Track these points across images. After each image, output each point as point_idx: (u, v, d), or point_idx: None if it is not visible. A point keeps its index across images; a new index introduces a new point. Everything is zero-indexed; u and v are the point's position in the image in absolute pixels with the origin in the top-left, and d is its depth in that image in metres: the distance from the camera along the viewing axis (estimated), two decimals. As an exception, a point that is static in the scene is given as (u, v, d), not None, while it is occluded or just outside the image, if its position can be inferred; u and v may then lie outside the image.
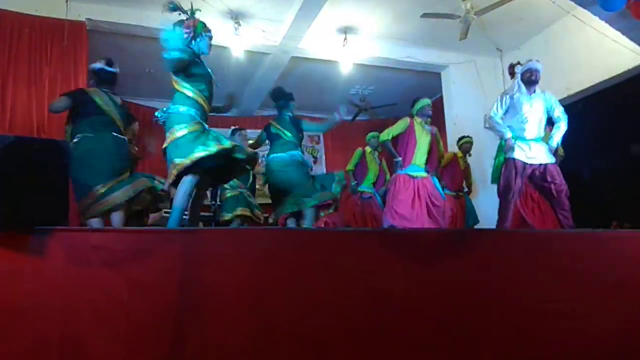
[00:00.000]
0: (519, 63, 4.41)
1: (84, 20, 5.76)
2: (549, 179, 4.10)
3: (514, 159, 4.13)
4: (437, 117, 8.00)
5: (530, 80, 4.24)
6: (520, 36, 7.03)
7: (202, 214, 6.21)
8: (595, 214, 5.20)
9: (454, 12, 5.70)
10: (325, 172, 9.61)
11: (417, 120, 4.96)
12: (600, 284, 2.69)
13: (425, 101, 5.03)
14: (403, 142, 4.91)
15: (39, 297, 1.94)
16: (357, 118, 9.22)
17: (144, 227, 3.88)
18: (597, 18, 5.35)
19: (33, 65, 5.36)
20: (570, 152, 5.20)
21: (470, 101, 7.30)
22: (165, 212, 6.06)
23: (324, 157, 9.87)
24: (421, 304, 2.41)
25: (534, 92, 4.27)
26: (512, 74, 4.44)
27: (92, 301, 1.96)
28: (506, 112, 4.30)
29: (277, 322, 2.12)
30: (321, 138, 9.97)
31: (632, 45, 5.34)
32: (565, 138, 4.38)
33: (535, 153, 4.13)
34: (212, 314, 2.05)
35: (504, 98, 4.31)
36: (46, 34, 5.51)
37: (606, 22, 5.28)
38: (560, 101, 6.41)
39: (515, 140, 4.15)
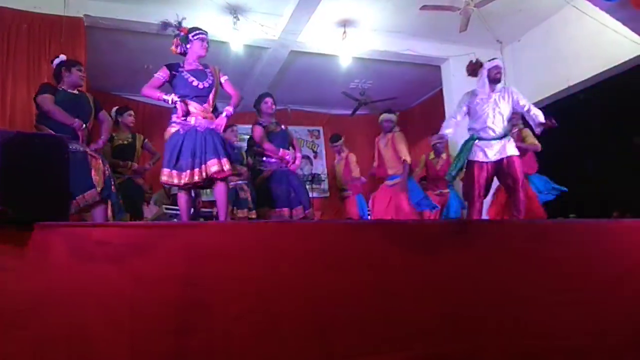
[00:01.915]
0: (478, 61, 4.50)
1: (82, 16, 5.75)
2: (507, 170, 4.20)
3: (474, 161, 4.25)
4: (437, 111, 8.01)
5: (496, 78, 4.30)
6: (520, 28, 7.02)
7: (204, 209, 6.22)
8: (597, 204, 5.20)
9: (453, 4, 5.69)
10: (325, 166, 9.63)
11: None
12: (604, 275, 2.69)
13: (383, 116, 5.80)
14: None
15: (43, 293, 1.93)
16: (357, 112, 9.23)
17: (146, 222, 3.90)
18: (597, 8, 5.33)
19: (32, 61, 5.37)
20: (572, 143, 5.20)
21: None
22: (167, 209, 6.08)
23: (323, 152, 9.86)
24: (424, 295, 2.41)
25: (496, 89, 4.34)
26: (474, 72, 4.50)
27: (96, 296, 1.95)
28: (468, 113, 4.41)
29: (281, 315, 2.12)
30: (321, 133, 9.97)
31: (632, 35, 5.32)
32: (567, 129, 4.41)
33: (498, 149, 4.22)
34: (217, 307, 2.04)
35: (464, 99, 4.44)
36: (44, 31, 5.51)
37: (606, 12, 5.26)
38: (561, 92, 6.46)
39: (474, 141, 4.27)
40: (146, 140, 5.54)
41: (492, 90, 4.28)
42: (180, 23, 3.69)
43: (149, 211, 6.58)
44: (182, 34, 3.65)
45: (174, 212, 5.80)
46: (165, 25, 3.71)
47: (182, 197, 3.53)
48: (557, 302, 2.58)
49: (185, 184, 3.39)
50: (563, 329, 2.54)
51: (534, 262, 2.63)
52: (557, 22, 6.66)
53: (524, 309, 2.53)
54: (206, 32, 3.69)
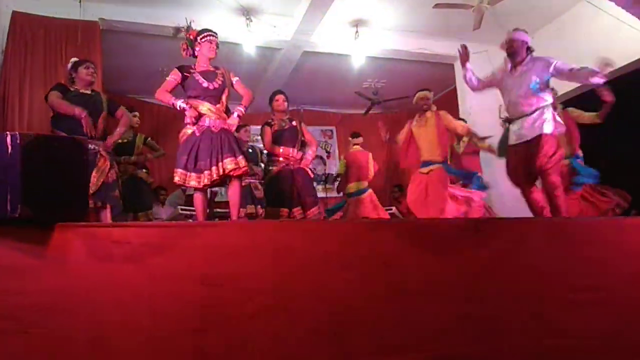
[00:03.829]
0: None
1: (97, 20, 5.82)
2: (535, 150, 3.76)
3: (509, 145, 3.98)
4: (451, 109, 7.96)
5: (508, 52, 3.99)
6: (533, 24, 6.90)
7: (219, 210, 6.26)
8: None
9: (466, 2, 5.66)
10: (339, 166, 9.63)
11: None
12: (624, 273, 2.65)
13: (420, 94, 5.10)
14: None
15: (63, 293, 1.97)
16: (370, 112, 9.21)
17: (164, 222, 3.94)
18: (612, 4, 5.26)
19: (48, 65, 5.45)
20: (588, 141, 5.13)
21: (484, 92, 7.21)
22: (182, 209, 6.13)
23: (336, 151, 9.87)
24: (440, 294, 2.40)
25: (522, 64, 3.95)
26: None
27: (115, 296, 1.98)
28: (500, 89, 4.18)
29: (297, 314, 2.13)
30: (334, 133, 9.98)
31: (649, 30, 5.25)
32: (583, 126, 4.29)
33: (529, 127, 3.84)
34: (234, 306, 2.06)
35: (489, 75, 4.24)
36: (61, 35, 5.60)
37: (622, 7, 5.20)
38: (577, 89, 6.36)
39: (508, 123, 4.02)
40: (149, 139, 5.58)
41: (518, 64, 3.94)
42: (189, 27, 3.73)
43: (164, 212, 6.65)
44: (190, 37, 3.69)
45: (190, 212, 5.85)
46: (177, 30, 3.76)
47: (198, 198, 3.56)
48: (577, 301, 2.55)
49: (205, 185, 3.43)
50: (582, 328, 2.51)
51: (552, 260, 2.61)
52: (572, 19, 6.59)
53: (543, 308, 2.51)
54: (215, 33, 3.72)
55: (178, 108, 3.52)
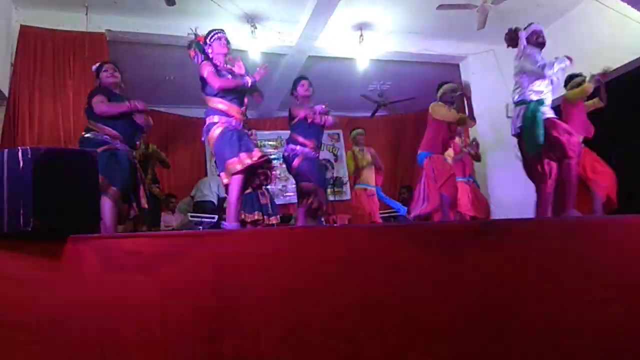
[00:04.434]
0: (517, 28, 4.17)
1: (103, 31, 5.89)
2: None
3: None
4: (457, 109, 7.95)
5: (539, 42, 4.04)
6: (539, 22, 6.89)
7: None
8: (624, 199, 5.08)
9: (470, 2, 5.65)
10: (346, 169, 9.63)
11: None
12: (635, 271, 2.64)
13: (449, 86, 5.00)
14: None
15: (76, 304, 1.99)
16: (377, 114, 9.22)
17: (175, 231, 3.96)
18: (618, 0, 5.25)
19: (57, 78, 5.53)
20: (595, 136, 5.09)
21: (490, 91, 7.21)
22: (192, 216, 6.17)
23: (344, 155, 9.86)
24: (450, 296, 2.40)
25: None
26: (514, 40, 4.16)
27: (128, 305, 2.01)
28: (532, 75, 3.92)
29: (308, 318, 2.14)
30: (341, 136, 9.98)
31: (656, 25, 5.22)
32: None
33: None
34: (246, 314, 2.07)
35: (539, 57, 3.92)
36: (68, 47, 5.68)
37: (628, 3, 5.17)
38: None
39: (541, 106, 3.83)
40: (155, 147, 5.65)
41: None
42: (196, 34, 3.74)
43: (175, 219, 6.69)
44: (200, 42, 3.69)
45: (200, 219, 5.89)
46: (190, 43, 3.76)
47: (237, 180, 3.44)
48: (588, 300, 2.54)
49: (254, 163, 3.41)
50: (593, 328, 2.50)
51: (563, 259, 2.59)
52: (578, 16, 6.56)
53: (553, 307, 2.49)
54: (222, 29, 3.73)
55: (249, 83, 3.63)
